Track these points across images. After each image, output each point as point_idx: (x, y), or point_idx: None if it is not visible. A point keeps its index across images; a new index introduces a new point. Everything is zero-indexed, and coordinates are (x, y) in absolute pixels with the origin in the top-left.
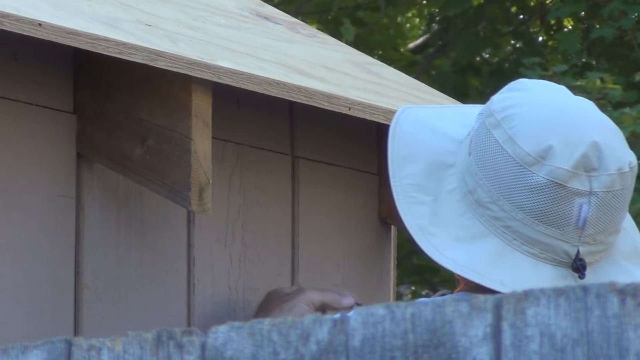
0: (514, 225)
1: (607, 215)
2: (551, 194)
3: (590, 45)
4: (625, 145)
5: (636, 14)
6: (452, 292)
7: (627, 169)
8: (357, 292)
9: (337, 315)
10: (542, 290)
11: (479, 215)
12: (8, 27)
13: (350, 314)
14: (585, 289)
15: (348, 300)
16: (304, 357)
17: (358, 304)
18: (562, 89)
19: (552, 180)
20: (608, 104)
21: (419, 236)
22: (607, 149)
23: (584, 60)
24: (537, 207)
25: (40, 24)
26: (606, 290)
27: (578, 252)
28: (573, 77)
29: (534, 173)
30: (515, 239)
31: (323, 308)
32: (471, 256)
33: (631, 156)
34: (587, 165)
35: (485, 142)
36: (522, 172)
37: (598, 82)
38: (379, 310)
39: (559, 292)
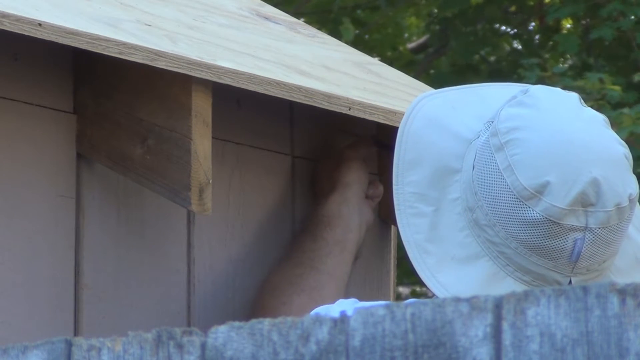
0: (507, 252)
1: (602, 249)
2: (545, 230)
3: (590, 46)
4: (627, 175)
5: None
6: None
7: (626, 203)
8: (357, 292)
9: (337, 316)
10: (542, 290)
11: (476, 235)
12: (8, 27)
13: (351, 314)
14: (585, 289)
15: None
16: (304, 357)
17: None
18: (573, 105)
19: (547, 217)
20: (607, 105)
21: (414, 254)
22: (607, 184)
23: (583, 60)
24: (530, 240)
25: (40, 24)
26: (606, 290)
27: (570, 282)
28: (572, 78)
29: (529, 207)
30: (508, 265)
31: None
32: (462, 282)
33: (632, 187)
34: (584, 202)
35: (487, 163)
36: (517, 204)
37: (597, 83)
38: (379, 310)
39: (559, 292)
